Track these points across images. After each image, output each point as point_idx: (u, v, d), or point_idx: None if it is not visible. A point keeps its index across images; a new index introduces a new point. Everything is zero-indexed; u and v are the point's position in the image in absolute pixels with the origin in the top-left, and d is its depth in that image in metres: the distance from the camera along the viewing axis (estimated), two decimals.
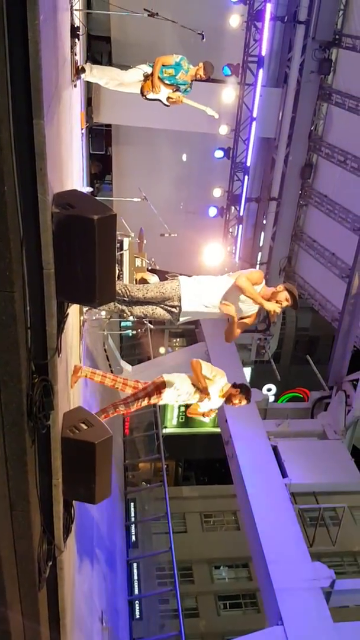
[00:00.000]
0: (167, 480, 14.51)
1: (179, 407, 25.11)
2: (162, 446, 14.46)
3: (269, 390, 21.09)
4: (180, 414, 25.50)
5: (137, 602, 15.86)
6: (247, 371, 18.46)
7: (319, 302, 15.65)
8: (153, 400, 6.13)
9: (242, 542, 15.99)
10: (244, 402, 6.13)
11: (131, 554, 14.45)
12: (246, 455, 11.92)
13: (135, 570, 15.54)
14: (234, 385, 6.18)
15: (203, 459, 27.34)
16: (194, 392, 6.11)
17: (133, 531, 15.92)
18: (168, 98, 7.28)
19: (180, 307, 5.48)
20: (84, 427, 4.50)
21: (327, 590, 9.94)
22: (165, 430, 22.12)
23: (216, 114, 7.68)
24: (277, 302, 5.45)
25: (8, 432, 3.74)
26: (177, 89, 7.24)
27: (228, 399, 6.16)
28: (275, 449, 12.17)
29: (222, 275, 5.69)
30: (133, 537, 15.91)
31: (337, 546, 15.46)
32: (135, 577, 15.92)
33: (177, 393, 6.12)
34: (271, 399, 18.78)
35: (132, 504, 16.04)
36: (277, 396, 22.02)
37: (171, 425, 25.35)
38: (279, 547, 10.34)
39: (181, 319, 5.60)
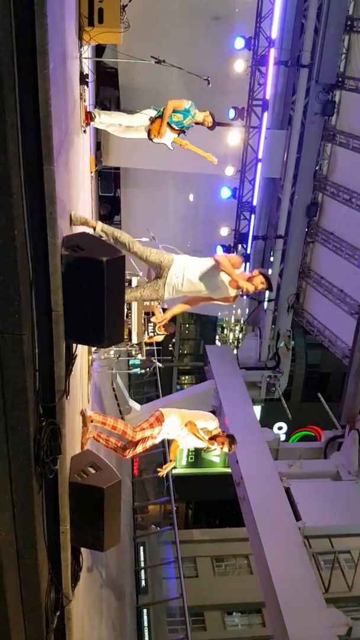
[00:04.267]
0: (177, 523, 14.20)
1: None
2: (172, 488, 14.21)
3: (280, 428, 20.84)
4: (190, 454, 25.17)
5: None
6: (257, 409, 18.27)
7: (329, 339, 15.55)
8: (156, 429, 6.16)
9: (255, 587, 15.52)
10: (226, 447, 6.28)
11: (141, 600, 14.05)
12: (258, 497, 11.64)
13: (145, 617, 15.08)
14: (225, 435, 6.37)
15: (214, 501, 26.81)
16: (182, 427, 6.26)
17: (143, 576, 15.52)
18: (173, 141, 7.44)
19: (166, 278, 5.97)
20: (92, 471, 4.42)
21: (343, 637, 9.58)
22: (174, 471, 21.79)
23: (215, 160, 7.82)
24: (253, 285, 6.01)
25: (15, 477, 3.68)
26: (182, 132, 7.37)
27: (212, 438, 6.31)
28: (287, 491, 11.88)
29: (207, 258, 6.14)
30: (143, 582, 15.50)
31: (353, 591, 14.94)
32: (146, 624, 15.41)
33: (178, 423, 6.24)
34: (282, 437, 18.51)
35: (141, 547, 15.67)
36: (288, 435, 21.73)
37: (180, 466, 25.00)
38: (293, 593, 10.01)
39: (166, 292, 6.01)
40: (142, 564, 15.40)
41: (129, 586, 12.65)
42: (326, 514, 11.67)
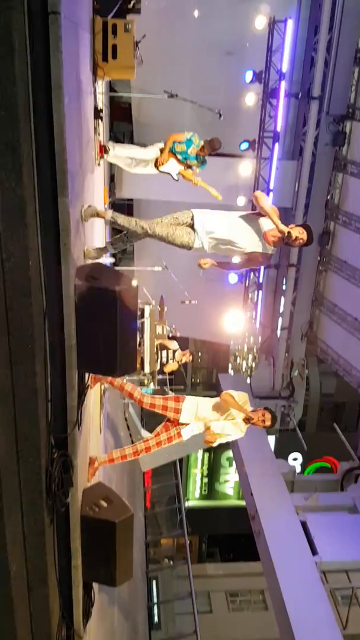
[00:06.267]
0: (191, 557, 13.94)
1: (202, 479, 24.47)
2: (185, 521, 13.98)
3: (295, 459, 20.50)
4: (203, 485, 24.80)
5: None
6: (272, 440, 18.02)
7: (344, 368, 15.39)
8: (170, 404, 5.71)
9: (271, 624, 15.08)
10: (268, 422, 5.78)
11: (154, 637, 13.75)
12: (274, 531, 11.39)
13: None
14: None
15: (228, 534, 26.25)
16: (213, 412, 5.78)
17: (156, 611, 15.20)
18: (178, 173, 7.60)
19: (195, 230, 5.61)
20: (104, 504, 4.34)
21: None
22: (187, 504, 21.47)
23: (219, 197, 7.89)
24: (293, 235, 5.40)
25: (26, 510, 3.61)
26: (189, 167, 7.55)
27: (249, 420, 5.78)
28: (304, 525, 11.63)
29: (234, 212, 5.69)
30: (156, 618, 15.17)
31: None
32: None
33: (198, 407, 5.76)
34: (297, 468, 18.22)
35: (154, 582, 15.37)
36: (304, 466, 21.38)
37: (193, 498, 24.61)
38: (311, 630, 9.72)
39: (196, 240, 5.71)
40: (155, 599, 15.09)
41: (142, 622, 12.37)
42: (344, 548, 11.40)
